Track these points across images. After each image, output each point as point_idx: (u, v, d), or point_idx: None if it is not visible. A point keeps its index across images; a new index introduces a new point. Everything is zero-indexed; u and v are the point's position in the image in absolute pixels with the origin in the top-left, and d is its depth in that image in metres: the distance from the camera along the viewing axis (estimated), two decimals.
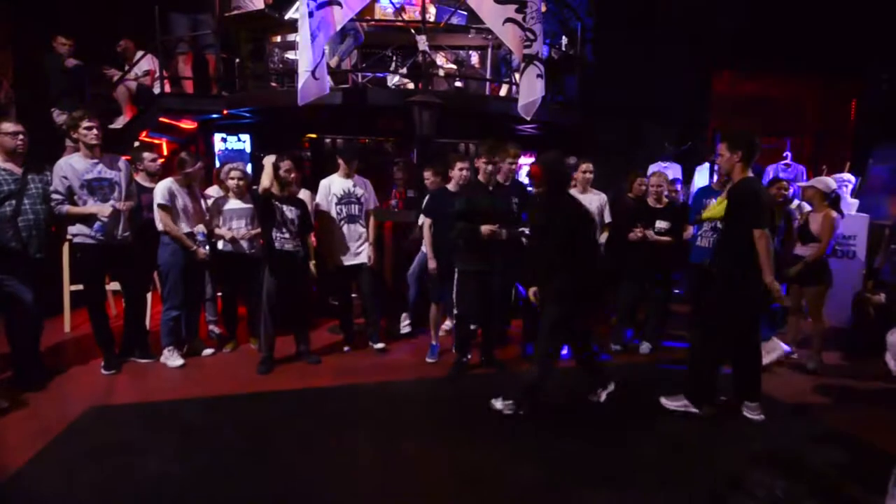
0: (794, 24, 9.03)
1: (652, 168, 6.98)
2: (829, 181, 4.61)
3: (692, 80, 9.49)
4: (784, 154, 7.20)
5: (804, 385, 4.24)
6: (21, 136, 3.76)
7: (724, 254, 3.59)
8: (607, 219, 4.70)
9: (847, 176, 6.15)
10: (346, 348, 4.81)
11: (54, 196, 3.87)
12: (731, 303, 3.45)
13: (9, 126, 3.74)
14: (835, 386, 4.24)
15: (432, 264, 4.43)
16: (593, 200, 4.69)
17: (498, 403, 3.57)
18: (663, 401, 3.71)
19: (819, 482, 2.91)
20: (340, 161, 4.71)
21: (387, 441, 3.26)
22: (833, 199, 4.48)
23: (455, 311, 4.27)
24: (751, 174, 3.45)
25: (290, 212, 4.25)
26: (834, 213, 4.37)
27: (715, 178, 5.31)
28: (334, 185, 4.64)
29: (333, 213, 4.62)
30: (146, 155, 4.65)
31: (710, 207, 4.77)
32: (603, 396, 3.80)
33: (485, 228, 3.95)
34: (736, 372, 3.66)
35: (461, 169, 4.46)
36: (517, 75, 5.83)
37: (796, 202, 5.26)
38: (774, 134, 8.76)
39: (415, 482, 2.86)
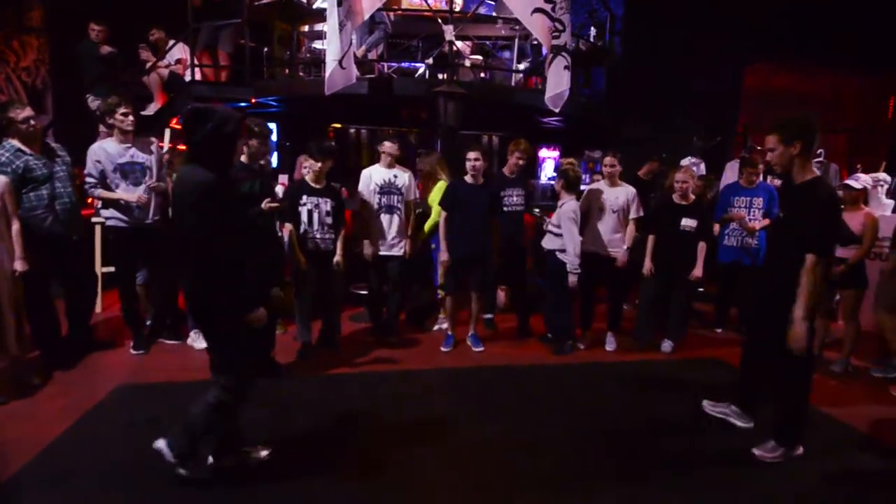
0: (830, 15, 8.75)
1: (683, 164, 6.87)
2: (866, 178, 4.49)
3: (723, 74, 9.28)
4: (817, 151, 7.01)
5: (832, 389, 4.14)
6: (31, 121, 3.69)
7: (774, 270, 3.01)
8: (632, 214, 4.62)
9: (883, 175, 5.96)
10: (370, 338, 4.81)
11: (87, 179, 3.97)
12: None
13: (18, 113, 3.63)
14: (863, 390, 4.14)
15: (444, 256, 4.47)
16: (620, 194, 4.62)
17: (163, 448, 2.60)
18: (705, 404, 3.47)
19: (843, 486, 2.86)
20: (382, 151, 4.64)
21: (407, 428, 3.30)
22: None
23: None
24: (817, 172, 2.83)
25: (325, 204, 4.19)
26: (875, 213, 4.25)
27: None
28: (375, 175, 4.60)
29: (374, 203, 4.59)
30: (151, 140, 4.71)
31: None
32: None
33: (265, 205, 3.60)
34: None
35: (475, 160, 4.42)
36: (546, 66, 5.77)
37: None
38: None
39: (428, 473, 2.88)
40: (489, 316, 5.18)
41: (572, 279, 4.38)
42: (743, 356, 3.43)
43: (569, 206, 4.42)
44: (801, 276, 2.74)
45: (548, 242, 4.61)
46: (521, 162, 4.90)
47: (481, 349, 4.66)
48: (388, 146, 4.62)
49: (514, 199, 4.89)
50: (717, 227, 5.07)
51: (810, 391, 3.05)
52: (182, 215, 2.42)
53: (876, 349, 4.47)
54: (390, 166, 4.62)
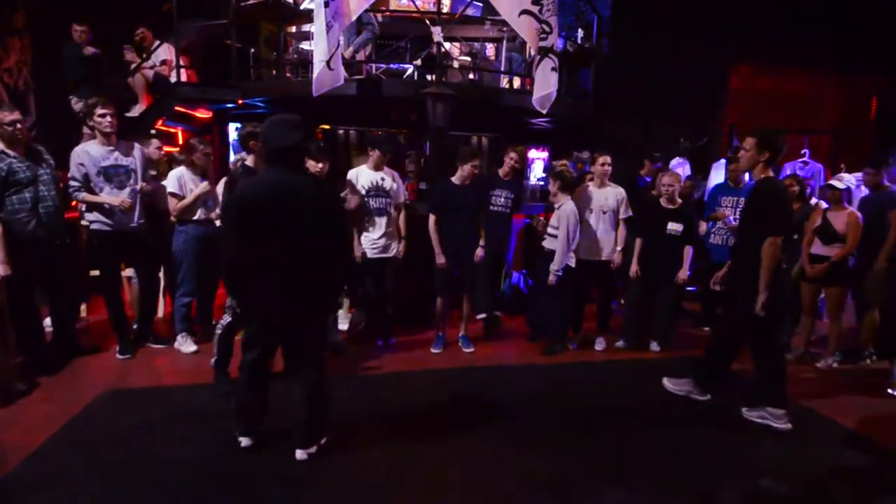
0: (815, 18, 8.88)
1: (673, 165, 6.94)
2: (849, 178, 4.56)
3: (709, 75, 9.37)
4: (802, 151, 7.11)
5: (817, 385, 4.19)
6: (18, 125, 3.65)
7: (737, 255, 3.60)
8: (622, 214, 4.65)
9: None
10: (380, 342, 4.74)
11: (71, 183, 3.91)
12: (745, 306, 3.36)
13: (5, 115, 3.60)
14: (847, 386, 4.20)
15: (441, 259, 4.43)
16: (610, 195, 4.64)
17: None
18: (665, 382, 3.94)
19: (830, 481, 2.90)
20: (373, 152, 4.54)
21: (398, 430, 3.29)
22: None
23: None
24: (771, 173, 3.40)
25: None
26: (858, 213, 4.32)
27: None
28: (361, 177, 4.51)
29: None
30: (153, 142, 4.70)
31: None
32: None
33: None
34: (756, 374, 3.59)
35: (476, 167, 4.45)
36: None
37: (814, 200, 5.21)
38: (792, 131, 8.62)
39: (423, 473, 2.88)
40: (482, 316, 5.18)
41: (551, 279, 4.42)
42: (714, 335, 3.87)
43: (569, 207, 4.44)
44: (761, 256, 3.26)
45: (547, 244, 4.62)
46: (516, 165, 4.96)
47: (472, 350, 4.67)
48: (376, 153, 4.53)
49: (502, 200, 4.91)
50: (703, 226, 5.13)
51: (784, 352, 3.64)
52: (329, 214, 2.77)
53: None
54: (377, 168, 4.58)
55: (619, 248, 4.64)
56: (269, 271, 2.65)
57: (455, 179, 4.50)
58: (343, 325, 4.86)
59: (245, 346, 2.91)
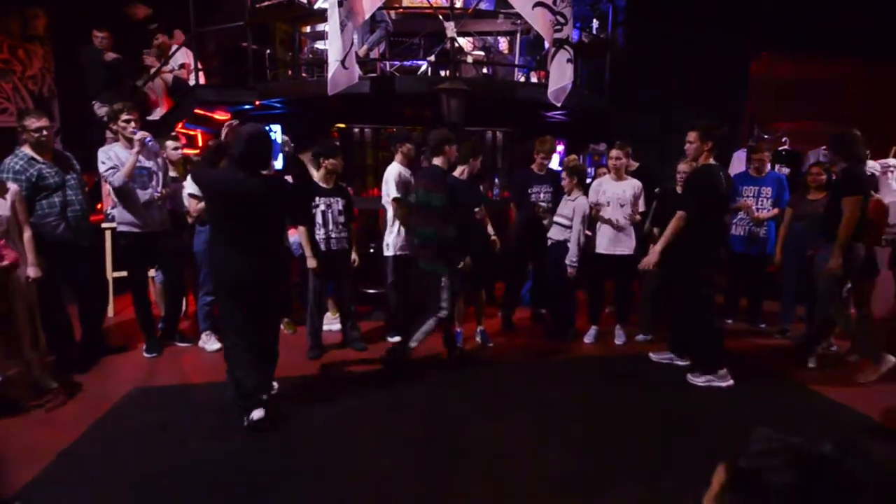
0: (838, 2, 8.66)
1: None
2: (874, 165, 4.44)
3: (729, 63, 9.18)
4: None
5: (845, 378, 4.11)
6: (45, 131, 3.72)
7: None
8: (641, 207, 4.61)
9: (893, 161, 5.89)
10: (397, 338, 4.65)
11: (106, 171, 3.96)
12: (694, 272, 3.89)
13: (32, 122, 3.69)
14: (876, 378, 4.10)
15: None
16: (627, 188, 4.60)
17: None
18: (688, 376, 3.94)
19: None
20: (402, 147, 4.54)
21: (419, 425, 3.32)
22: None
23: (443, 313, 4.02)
24: (712, 160, 3.83)
25: (337, 203, 4.25)
26: (886, 200, 4.21)
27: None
28: (404, 174, 4.51)
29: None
30: (168, 143, 4.77)
31: None
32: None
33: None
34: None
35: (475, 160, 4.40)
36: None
37: None
38: (816, 118, 8.43)
39: (442, 467, 2.89)
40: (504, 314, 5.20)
41: (571, 271, 4.52)
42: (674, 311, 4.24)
43: (583, 201, 4.55)
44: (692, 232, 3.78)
45: (555, 234, 4.66)
46: (546, 162, 4.97)
47: (491, 345, 4.67)
48: (408, 147, 4.58)
49: (542, 196, 4.90)
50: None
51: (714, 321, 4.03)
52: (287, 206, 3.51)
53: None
54: (404, 164, 4.60)
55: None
56: (226, 241, 3.19)
57: (457, 174, 4.33)
58: (335, 326, 4.84)
59: (223, 331, 3.29)
